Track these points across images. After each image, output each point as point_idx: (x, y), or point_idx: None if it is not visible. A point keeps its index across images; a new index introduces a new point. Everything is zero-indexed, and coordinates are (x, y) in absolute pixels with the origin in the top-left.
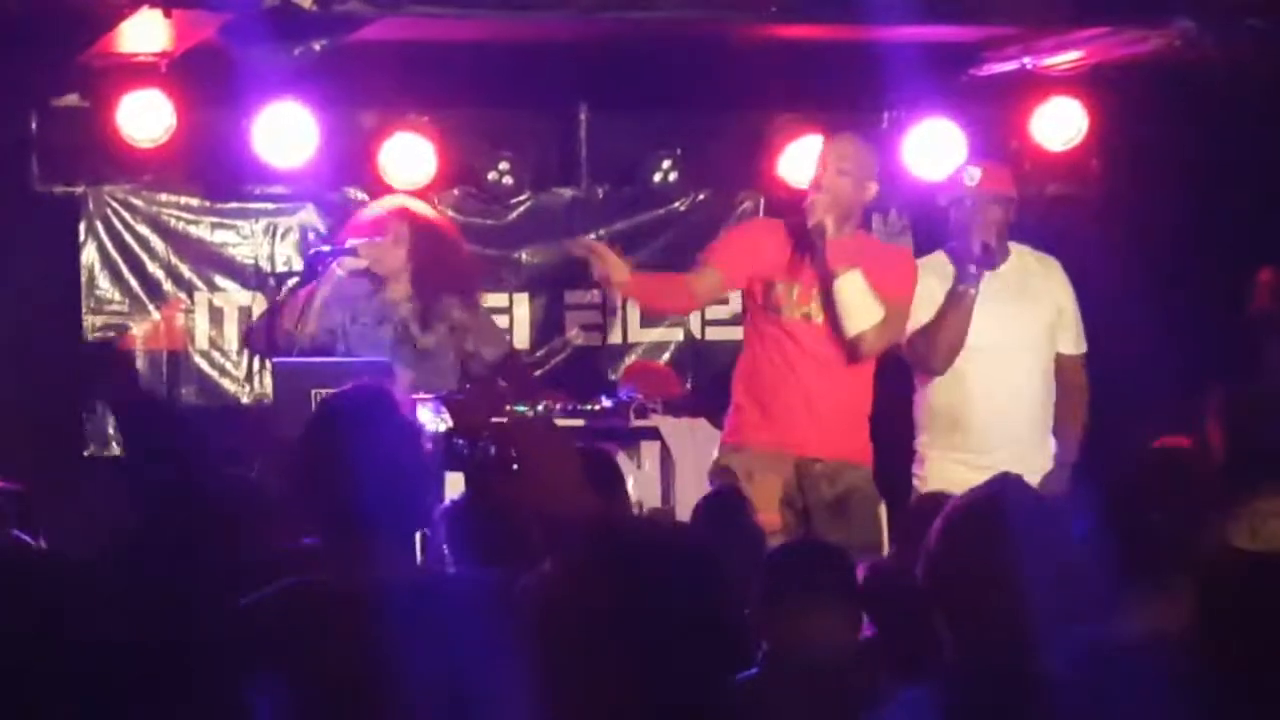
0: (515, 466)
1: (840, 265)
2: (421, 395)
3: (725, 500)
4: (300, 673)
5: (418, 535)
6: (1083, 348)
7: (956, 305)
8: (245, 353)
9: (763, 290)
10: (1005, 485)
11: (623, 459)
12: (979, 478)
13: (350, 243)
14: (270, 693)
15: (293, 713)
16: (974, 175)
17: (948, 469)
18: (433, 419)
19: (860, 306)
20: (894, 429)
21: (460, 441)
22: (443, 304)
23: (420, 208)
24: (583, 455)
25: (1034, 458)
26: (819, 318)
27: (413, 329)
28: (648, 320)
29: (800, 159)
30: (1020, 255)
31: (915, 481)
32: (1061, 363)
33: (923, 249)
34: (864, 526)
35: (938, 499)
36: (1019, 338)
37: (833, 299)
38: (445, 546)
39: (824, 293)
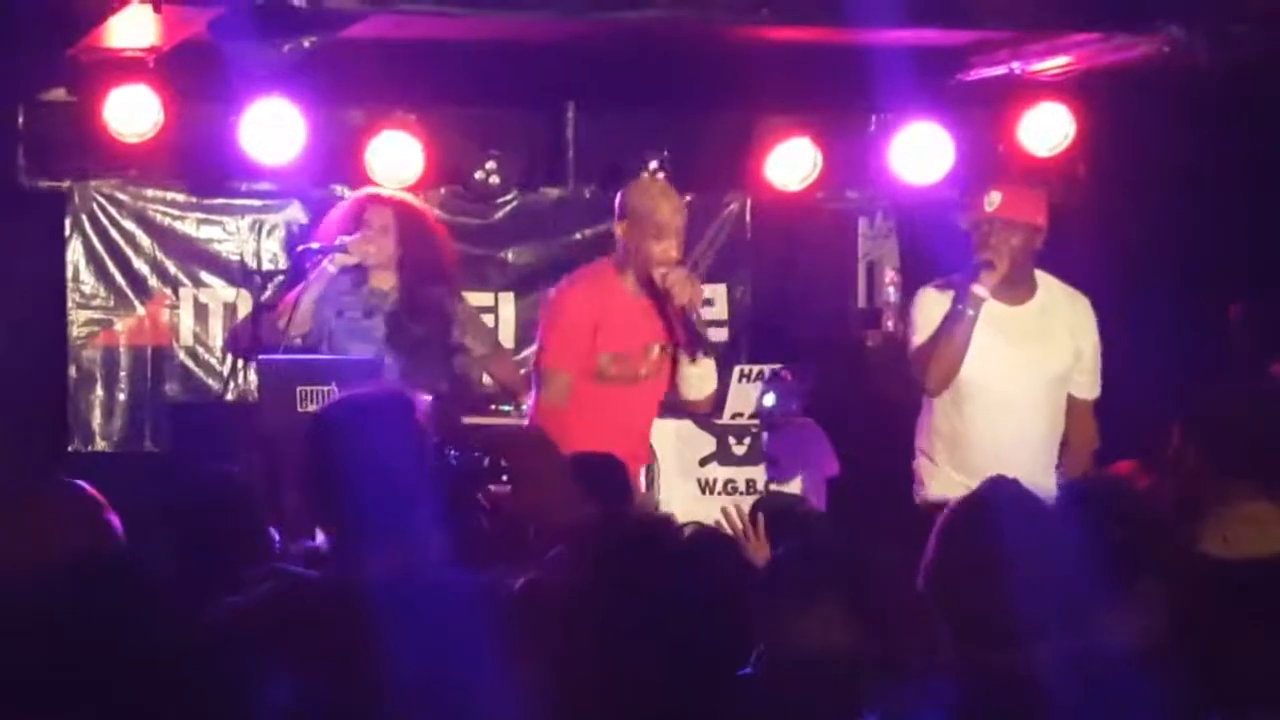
0: (506, 477)
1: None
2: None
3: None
4: (292, 672)
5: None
6: (1096, 393)
7: (954, 325)
8: (229, 349)
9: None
10: (1000, 488)
11: None
12: None
13: (340, 239)
14: (266, 692)
15: (287, 711)
16: (994, 200)
17: (948, 489)
18: None
19: (707, 377)
20: (893, 443)
21: (452, 452)
22: (431, 293)
23: (402, 196)
24: (589, 460)
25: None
26: (647, 375)
27: (404, 319)
28: None
29: (788, 161)
30: (1049, 291)
31: (916, 500)
32: (1072, 405)
33: (908, 253)
34: None
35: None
36: (1029, 379)
37: (686, 368)
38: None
39: (677, 360)
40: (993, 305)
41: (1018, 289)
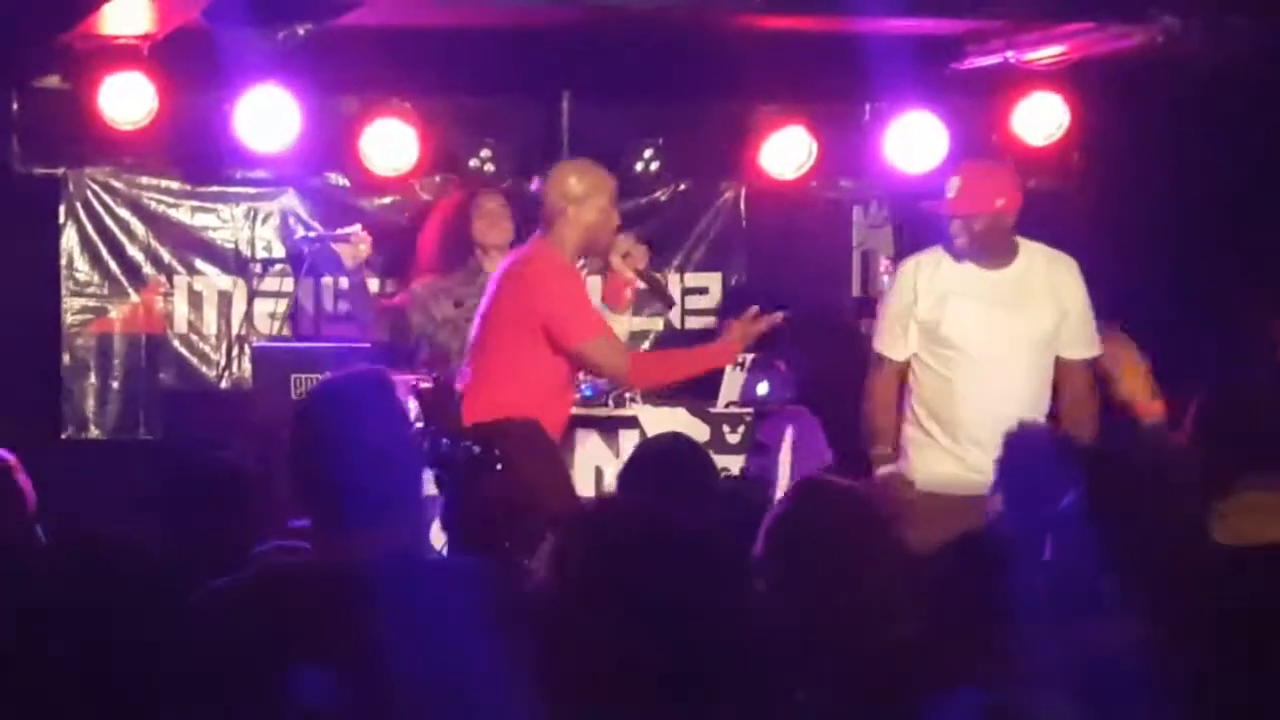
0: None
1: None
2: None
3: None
4: (282, 655)
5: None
6: (1089, 352)
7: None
8: (223, 337)
9: None
10: (812, 490)
11: (601, 447)
12: (965, 474)
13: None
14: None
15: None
16: (953, 188)
17: (934, 463)
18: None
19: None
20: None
21: (444, 440)
22: None
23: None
24: (678, 448)
25: None
26: None
27: None
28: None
29: (783, 150)
30: (1029, 256)
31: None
32: (1064, 367)
33: (903, 242)
34: None
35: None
36: (1011, 343)
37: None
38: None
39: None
40: (973, 271)
41: (997, 256)
